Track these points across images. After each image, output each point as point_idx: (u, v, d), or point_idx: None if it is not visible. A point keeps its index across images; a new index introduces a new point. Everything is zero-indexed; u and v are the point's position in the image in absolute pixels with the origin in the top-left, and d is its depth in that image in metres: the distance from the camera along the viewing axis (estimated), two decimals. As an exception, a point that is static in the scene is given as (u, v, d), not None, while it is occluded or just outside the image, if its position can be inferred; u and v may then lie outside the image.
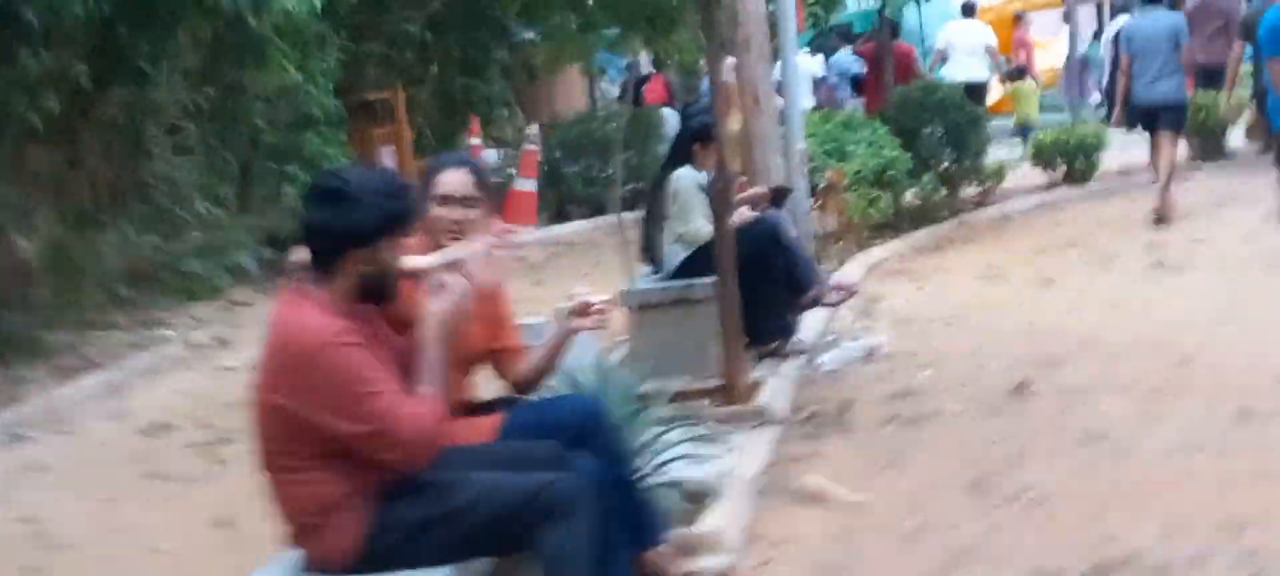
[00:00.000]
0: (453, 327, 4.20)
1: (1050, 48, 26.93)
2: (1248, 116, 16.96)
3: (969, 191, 15.47)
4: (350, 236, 4.03)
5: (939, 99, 14.52)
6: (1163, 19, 14.17)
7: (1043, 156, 16.40)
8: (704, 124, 8.96)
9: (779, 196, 9.73)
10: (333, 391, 3.92)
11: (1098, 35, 29.49)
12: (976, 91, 21.22)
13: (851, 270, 11.74)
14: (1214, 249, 11.81)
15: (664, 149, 19.99)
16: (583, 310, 4.96)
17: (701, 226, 8.67)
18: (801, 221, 11.83)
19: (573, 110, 22.05)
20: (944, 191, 14.72)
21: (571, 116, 20.46)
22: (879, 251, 12.75)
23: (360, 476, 4.04)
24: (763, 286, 8.95)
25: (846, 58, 20.79)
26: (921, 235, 13.72)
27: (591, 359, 6.29)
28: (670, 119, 18.85)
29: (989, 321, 9.87)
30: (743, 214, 9.19)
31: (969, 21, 21.33)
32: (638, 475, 4.95)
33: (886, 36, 17.88)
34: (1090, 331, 9.17)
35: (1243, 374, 7.72)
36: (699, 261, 8.73)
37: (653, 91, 24.55)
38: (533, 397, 5.10)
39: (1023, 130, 22.66)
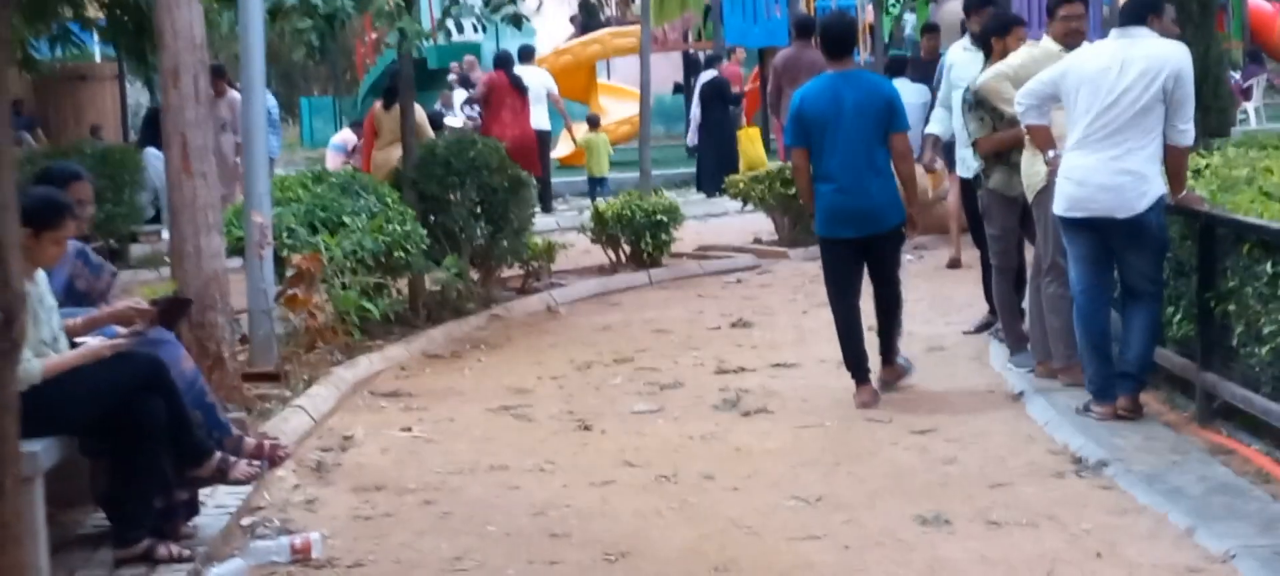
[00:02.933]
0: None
1: (628, 99, 24.53)
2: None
3: (512, 274, 12.53)
4: None
5: (471, 158, 11.45)
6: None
7: (604, 232, 13.56)
8: (43, 200, 5.86)
9: (172, 313, 6.49)
10: None
11: (678, 88, 27.31)
12: (540, 142, 18.63)
13: (320, 396, 8.50)
14: (800, 381, 9.11)
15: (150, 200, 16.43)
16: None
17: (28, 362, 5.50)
18: (261, 326, 8.63)
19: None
20: (475, 277, 11.68)
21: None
22: (371, 362, 9.56)
23: None
24: (134, 455, 5.83)
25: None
26: (438, 336, 10.61)
27: None
28: (154, 162, 15.30)
29: (488, 500, 6.80)
30: (108, 340, 5.98)
31: (529, 67, 18.66)
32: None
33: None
34: (624, 532, 6.22)
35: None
36: (30, 412, 5.50)
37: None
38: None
39: (594, 186, 20.11)
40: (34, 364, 5.56)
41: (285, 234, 9.67)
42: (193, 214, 7.82)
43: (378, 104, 15.45)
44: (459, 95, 21.48)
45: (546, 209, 19.26)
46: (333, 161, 21.89)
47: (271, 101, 16.82)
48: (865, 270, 8.57)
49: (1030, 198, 8.33)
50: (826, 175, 8.38)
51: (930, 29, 15.88)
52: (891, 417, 8.06)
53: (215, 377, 7.77)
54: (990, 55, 8.93)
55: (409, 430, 8.11)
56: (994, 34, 8.99)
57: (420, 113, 15.20)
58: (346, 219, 10.08)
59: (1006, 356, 9.01)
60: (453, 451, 7.70)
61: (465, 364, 10.04)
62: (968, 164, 9.59)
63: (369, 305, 9.68)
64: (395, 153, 13.23)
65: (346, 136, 21.09)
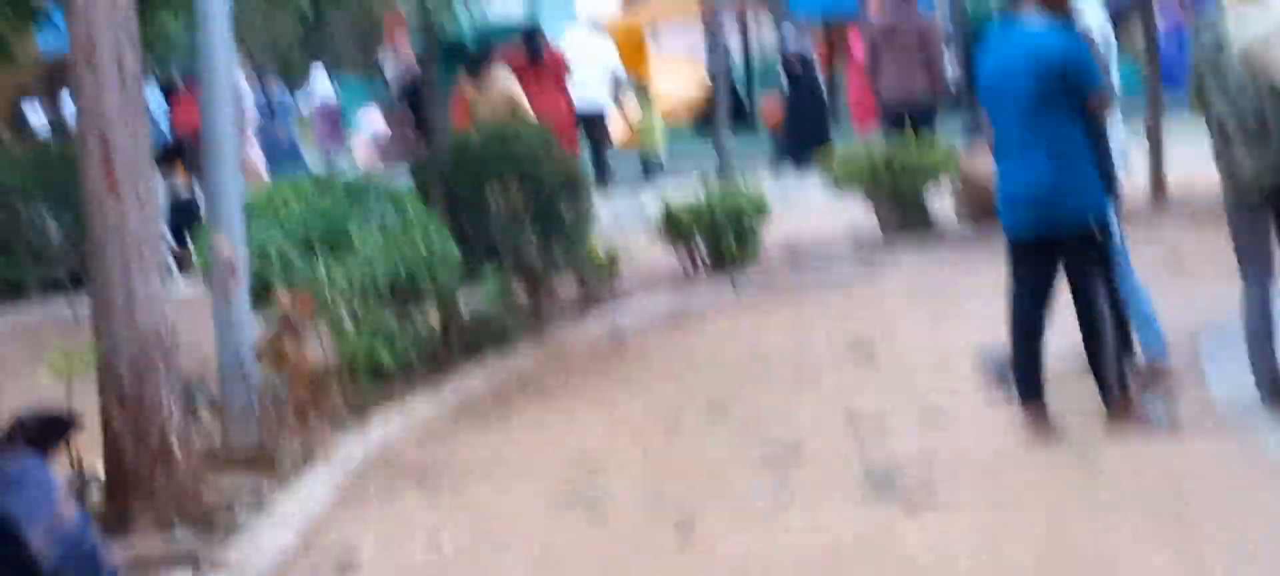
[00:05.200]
0: None
1: (683, 72, 22.19)
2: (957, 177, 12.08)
3: (566, 289, 10.14)
4: None
5: (514, 151, 9.10)
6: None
7: (677, 232, 11.16)
8: None
9: (45, 433, 4.17)
10: None
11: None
12: (597, 124, 16.34)
13: (314, 490, 6.16)
14: (965, 437, 6.72)
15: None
16: None
17: None
18: (235, 391, 6.36)
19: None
20: (522, 295, 9.35)
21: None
22: (389, 426, 7.22)
23: None
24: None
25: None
26: (476, 378, 8.28)
27: None
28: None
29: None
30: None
31: (592, 38, 16.32)
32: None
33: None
34: None
35: None
36: None
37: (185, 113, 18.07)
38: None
39: (647, 168, 17.82)
40: None
41: (275, 259, 7.38)
42: (121, 248, 5.50)
43: (465, 81, 12.98)
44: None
45: (603, 184, 16.99)
46: (362, 150, 19.63)
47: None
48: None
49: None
50: (997, 152, 6.64)
51: None
52: (1117, 501, 5.68)
53: (158, 480, 5.49)
54: None
55: (438, 546, 5.76)
56: None
57: (509, 81, 12.83)
58: (355, 235, 7.76)
59: (1256, 396, 6.56)
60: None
61: (513, 418, 7.70)
62: None
63: (383, 351, 7.37)
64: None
65: (376, 121, 18.90)
